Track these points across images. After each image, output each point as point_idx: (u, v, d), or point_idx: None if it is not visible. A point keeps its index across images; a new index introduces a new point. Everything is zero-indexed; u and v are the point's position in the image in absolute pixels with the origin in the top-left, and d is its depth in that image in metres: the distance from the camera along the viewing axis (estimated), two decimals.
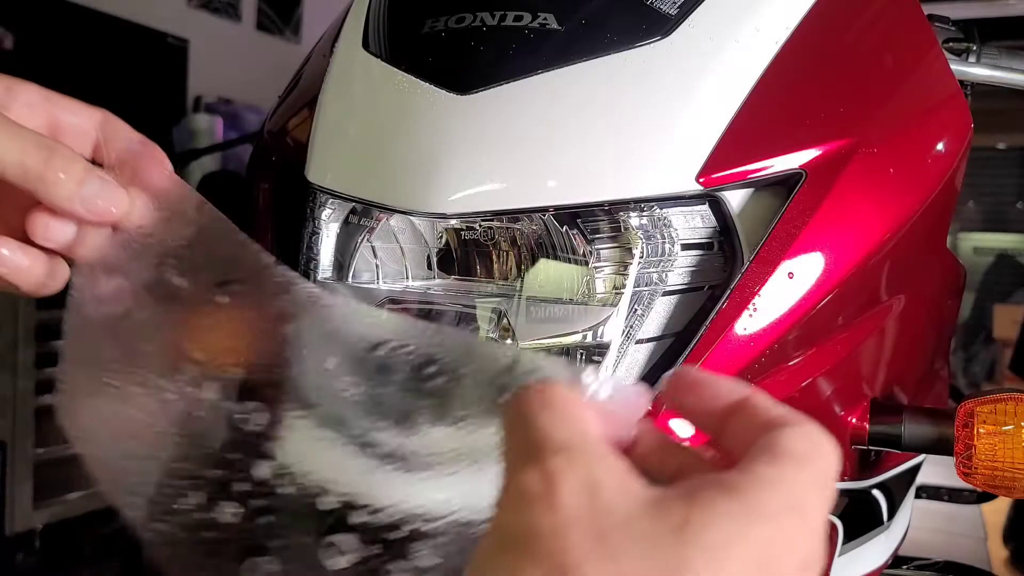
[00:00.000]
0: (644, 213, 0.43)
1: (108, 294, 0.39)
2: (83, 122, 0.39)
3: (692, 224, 0.44)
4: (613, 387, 0.30)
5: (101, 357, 0.39)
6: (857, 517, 0.56)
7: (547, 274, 0.44)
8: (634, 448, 0.30)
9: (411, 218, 0.45)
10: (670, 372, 0.30)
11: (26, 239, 0.38)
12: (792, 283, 0.43)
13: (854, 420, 0.51)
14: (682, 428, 0.38)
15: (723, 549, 0.22)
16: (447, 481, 0.33)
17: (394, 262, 0.47)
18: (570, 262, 0.43)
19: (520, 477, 0.25)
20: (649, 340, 0.44)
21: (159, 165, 0.38)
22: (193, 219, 0.38)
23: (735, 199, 0.44)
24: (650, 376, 0.44)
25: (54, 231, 0.37)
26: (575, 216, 0.43)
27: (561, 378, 0.30)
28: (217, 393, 0.36)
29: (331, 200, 0.48)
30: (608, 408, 0.30)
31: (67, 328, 0.40)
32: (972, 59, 0.65)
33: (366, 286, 0.47)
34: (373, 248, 0.47)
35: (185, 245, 0.38)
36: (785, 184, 0.44)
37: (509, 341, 0.43)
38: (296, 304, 0.35)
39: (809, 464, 0.25)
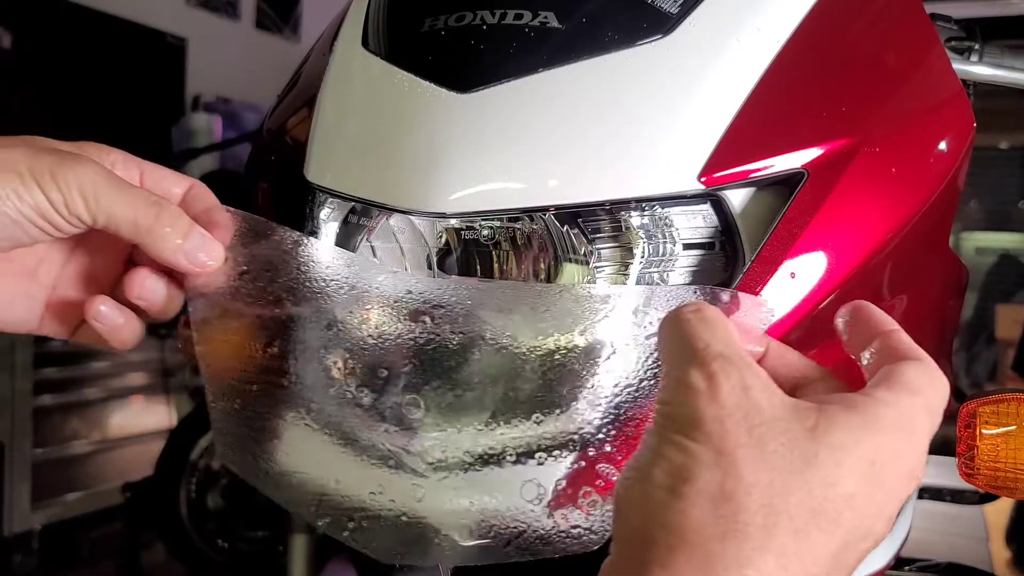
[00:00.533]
0: (645, 213, 0.43)
1: (222, 330, 0.44)
2: (170, 187, 0.43)
3: (693, 224, 0.44)
4: (743, 302, 0.38)
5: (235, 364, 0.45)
6: None
7: (548, 274, 0.44)
8: (764, 358, 0.36)
9: (411, 217, 0.44)
10: (848, 304, 0.37)
11: (112, 296, 0.42)
12: (794, 283, 0.42)
13: None
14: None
15: (842, 449, 0.29)
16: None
17: (394, 262, 0.47)
18: (571, 262, 0.43)
19: (686, 376, 0.30)
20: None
21: (223, 229, 0.42)
22: (262, 246, 0.42)
23: (736, 198, 0.44)
24: None
25: (148, 291, 0.42)
26: (576, 216, 0.43)
27: (705, 299, 0.37)
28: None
29: (330, 199, 0.47)
30: (741, 322, 0.37)
31: (199, 358, 0.45)
32: (974, 58, 0.65)
33: None
34: (373, 248, 0.47)
35: (264, 268, 0.43)
36: (787, 183, 0.44)
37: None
38: (420, 287, 0.40)
39: (922, 394, 0.31)
